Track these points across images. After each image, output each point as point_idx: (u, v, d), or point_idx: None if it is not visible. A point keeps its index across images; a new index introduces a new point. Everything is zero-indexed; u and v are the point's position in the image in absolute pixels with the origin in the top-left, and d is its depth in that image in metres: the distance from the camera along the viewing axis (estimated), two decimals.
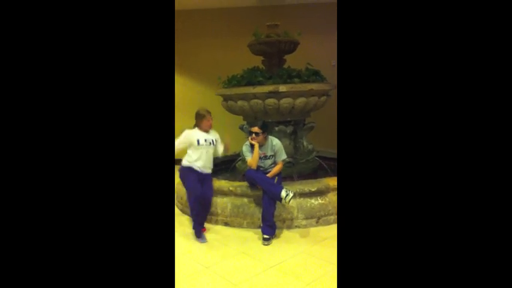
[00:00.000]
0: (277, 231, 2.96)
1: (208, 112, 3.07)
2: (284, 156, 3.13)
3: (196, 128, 3.07)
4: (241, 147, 3.22)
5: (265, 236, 2.83)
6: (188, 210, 3.26)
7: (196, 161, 2.99)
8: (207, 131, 3.08)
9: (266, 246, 2.79)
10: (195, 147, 2.99)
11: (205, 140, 3.03)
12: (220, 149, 3.21)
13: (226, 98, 3.80)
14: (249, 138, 3.06)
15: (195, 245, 2.88)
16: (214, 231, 3.12)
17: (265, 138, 3.09)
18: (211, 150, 3.08)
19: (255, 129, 3.01)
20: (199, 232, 2.96)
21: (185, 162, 3.03)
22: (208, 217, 3.24)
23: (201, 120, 3.04)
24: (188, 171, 3.00)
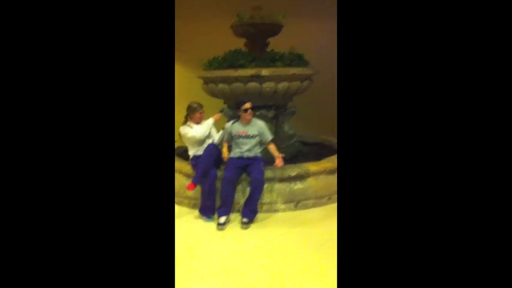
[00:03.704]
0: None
1: (200, 105, 3.23)
2: (271, 136, 3.15)
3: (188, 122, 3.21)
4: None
5: (245, 220, 2.85)
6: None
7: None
8: (198, 123, 3.22)
9: (245, 230, 2.81)
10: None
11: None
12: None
13: (207, 81, 3.74)
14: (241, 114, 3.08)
15: None
16: (192, 215, 3.12)
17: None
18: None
19: (248, 105, 3.02)
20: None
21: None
22: (186, 201, 3.31)
23: (193, 113, 3.19)
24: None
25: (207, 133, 3.20)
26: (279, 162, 3.02)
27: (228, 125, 3.20)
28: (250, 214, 2.89)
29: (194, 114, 3.17)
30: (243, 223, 2.85)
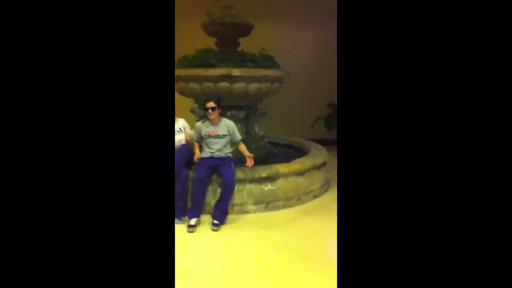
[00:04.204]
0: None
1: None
2: (240, 136, 3.15)
3: None
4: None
5: (215, 222, 2.80)
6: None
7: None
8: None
9: (215, 232, 2.76)
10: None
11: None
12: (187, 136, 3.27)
13: (176, 79, 3.64)
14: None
15: None
16: None
17: (219, 117, 3.09)
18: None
19: (210, 104, 2.97)
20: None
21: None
22: None
23: None
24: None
25: (181, 137, 3.13)
26: (249, 162, 3.02)
27: (198, 124, 3.14)
28: (221, 216, 2.85)
29: None
30: (213, 225, 2.79)
